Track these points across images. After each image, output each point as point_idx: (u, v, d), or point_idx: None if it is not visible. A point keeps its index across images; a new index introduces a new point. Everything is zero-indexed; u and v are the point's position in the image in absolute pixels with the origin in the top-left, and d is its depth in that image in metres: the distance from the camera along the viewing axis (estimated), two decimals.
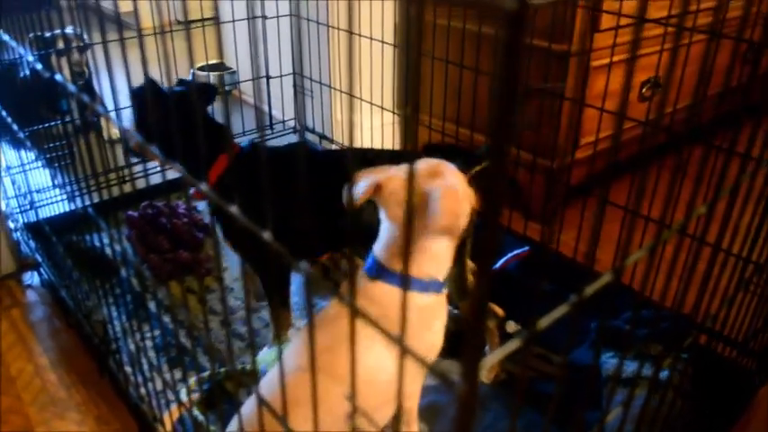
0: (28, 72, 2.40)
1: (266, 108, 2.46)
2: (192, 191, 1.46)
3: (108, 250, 1.64)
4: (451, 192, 1.03)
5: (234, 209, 0.59)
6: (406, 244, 0.71)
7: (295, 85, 2.45)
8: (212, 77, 2.80)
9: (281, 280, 1.50)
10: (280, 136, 2.52)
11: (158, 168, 2.14)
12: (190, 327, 1.49)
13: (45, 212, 1.92)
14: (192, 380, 1.41)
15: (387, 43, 2.24)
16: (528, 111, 1.90)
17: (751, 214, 1.08)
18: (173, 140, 1.27)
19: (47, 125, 2.01)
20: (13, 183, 1.91)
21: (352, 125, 2.11)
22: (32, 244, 1.85)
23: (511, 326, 1.54)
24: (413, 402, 1.14)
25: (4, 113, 1.58)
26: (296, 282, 1.69)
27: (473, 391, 0.43)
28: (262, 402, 0.69)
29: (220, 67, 2.94)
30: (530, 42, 1.81)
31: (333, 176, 1.38)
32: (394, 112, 2.35)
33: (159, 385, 1.38)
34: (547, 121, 1.95)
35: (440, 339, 1.09)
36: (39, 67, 1.06)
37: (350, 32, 0.43)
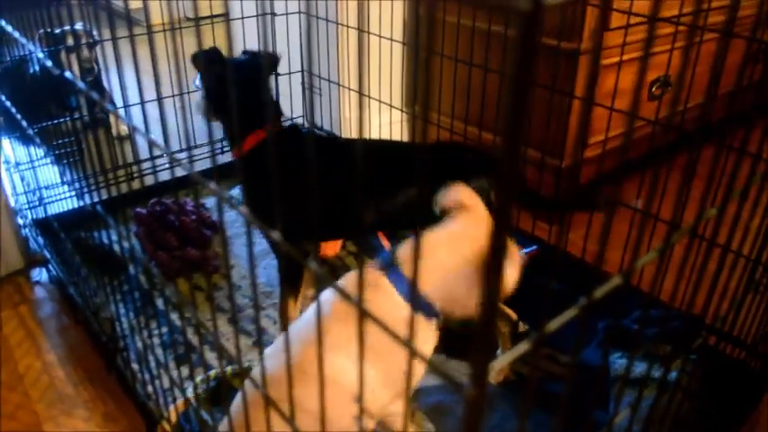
0: (37, 68, 2.41)
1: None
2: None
3: (116, 247, 1.65)
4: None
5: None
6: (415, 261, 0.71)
7: (303, 83, 2.44)
8: None
9: (295, 269, 1.51)
10: None
11: (167, 165, 2.14)
12: (198, 325, 1.49)
13: (54, 209, 1.92)
14: (199, 377, 1.41)
15: (395, 41, 2.23)
16: (536, 109, 1.89)
17: (761, 216, 1.07)
18: (224, 104, 1.37)
19: (56, 122, 2.01)
20: (22, 179, 1.92)
21: (363, 123, 2.10)
22: (41, 240, 1.86)
23: (521, 326, 1.53)
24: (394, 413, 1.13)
25: (13, 110, 1.59)
26: None
27: (482, 395, 0.43)
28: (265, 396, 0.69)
29: None
30: (538, 40, 1.80)
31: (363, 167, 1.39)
32: (402, 110, 2.34)
33: (166, 383, 1.38)
34: (556, 120, 1.94)
35: (421, 366, 1.07)
36: (49, 64, 1.06)
37: (360, 30, 0.43)
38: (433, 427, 1.34)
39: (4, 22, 1.33)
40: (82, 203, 1.24)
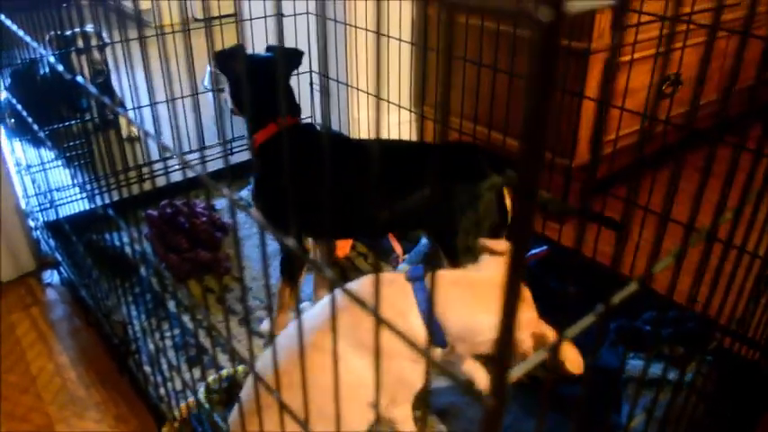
0: (48, 70, 2.42)
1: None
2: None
3: (127, 249, 1.65)
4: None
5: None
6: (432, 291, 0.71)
7: (311, 83, 2.44)
8: None
9: (294, 262, 1.52)
10: None
11: (177, 166, 2.14)
12: (210, 327, 1.49)
13: (65, 211, 1.93)
14: (211, 378, 1.41)
15: (404, 41, 2.23)
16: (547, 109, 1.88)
17: None
18: (243, 98, 1.40)
19: (66, 124, 2.02)
20: (33, 181, 1.92)
21: (379, 125, 2.08)
22: (52, 242, 1.86)
23: None
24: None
25: (24, 113, 1.59)
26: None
27: (501, 405, 0.42)
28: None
29: None
30: (557, 48, 1.79)
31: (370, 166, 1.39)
32: (411, 110, 2.34)
33: (179, 385, 1.39)
34: (566, 120, 1.94)
35: (417, 380, 1.09)
36: (60, 68, 1.06)
37: (378, 33, 0.43)
38: (444, 428, 1.33)
39: (14, 25, 1.33)
40: (93, 205, 1.24)
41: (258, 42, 2.69)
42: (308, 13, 2.28)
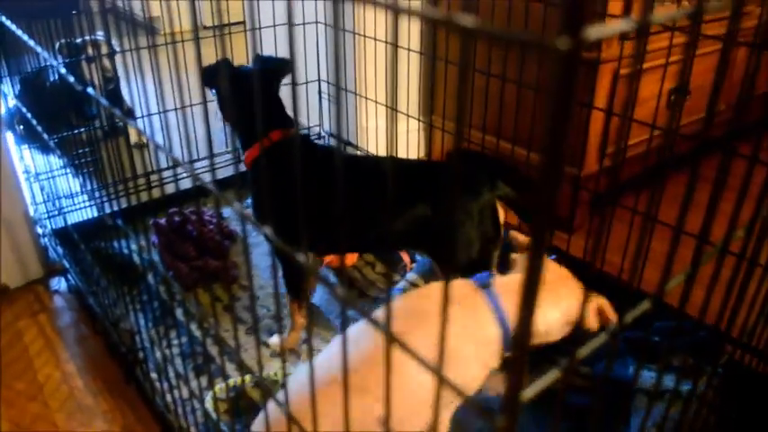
0: (57, 77, 2.43)
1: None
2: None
3: (135, 257, 1.65)
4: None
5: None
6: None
7: (320, 92, 2.45)
8: None
9: (297, 275, 1.52)
10: None
11: (185, 174, 2.15)
12: (218, 338, 1.49)
13: (73, 218, 1.93)
14: (218, 387, 1.41)
15: (413, 51, 2.23)
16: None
17: None
18: (233, 114, 1.40)
19: (75, 132, 2.03)
20: (42, 189, 1.93)
21: (393, 136, 2.08)
22: (60, 250, 1.86)
23: None
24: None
25: (33, 120, 1.60)
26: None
27: (513, 425, 0.42)
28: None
29: None
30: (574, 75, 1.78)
31: (363, 182, 1.38)
32: (420, 120, 2.34)
33: (186, 393, 1.38)
34: (574, 129, 1.93)
35: (480, 378, 1.10)
36: (71, 79, 1.06)
37: (395, 46, 0.42)
38: None
39: (24, 34, 1.34)
40: (101, 213, 1.24)
41: (267, 50, 2.69)
42: (316, 22, 2.28)
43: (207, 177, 0.68)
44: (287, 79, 1.56)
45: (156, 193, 2.01)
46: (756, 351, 1.33)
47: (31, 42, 1.27)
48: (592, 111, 1.87)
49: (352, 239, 1.46)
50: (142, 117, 2.12)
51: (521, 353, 0.40)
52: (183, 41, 2.03)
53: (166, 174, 2.16)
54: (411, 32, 2.22)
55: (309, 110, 2.46)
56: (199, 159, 2.26)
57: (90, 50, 2.40)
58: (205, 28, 3.98)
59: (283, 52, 2.24)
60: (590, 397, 1.34)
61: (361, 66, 2.26)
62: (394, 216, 1.38)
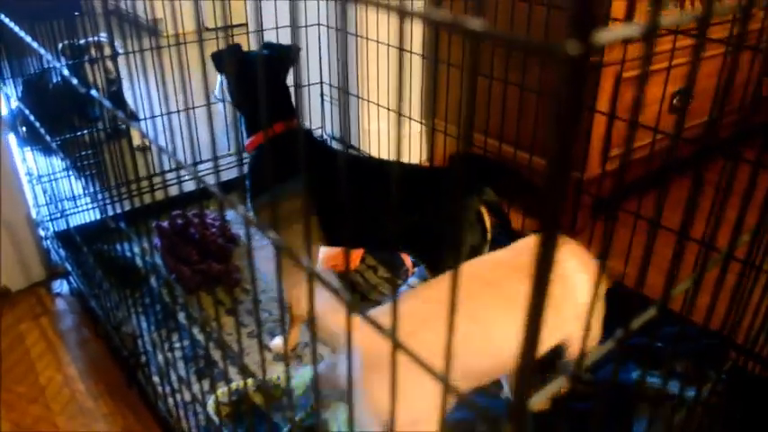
0: (59, 79, 2.42)
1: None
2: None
3: (137, 260, 1.65)
4: None
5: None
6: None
7: (321, 94, 2.45)
8: None
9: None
10: None
11: (188, 177, 2.14)
12: (221, 343, 1.48)
13: (75, 221, 1.93)
14: (220, 391, 1.40)
15: (415, 53, 2.23)
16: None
17: None
18: (241, 99, 1.40)
19: (78, 134, 2.03)
20: (44, 191, 1.93)
21: (401, 140, 2.07)
22: (62, 252, 1.86)
23: None
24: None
25: (36, 122, 1.60)
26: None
27: None
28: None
29: None
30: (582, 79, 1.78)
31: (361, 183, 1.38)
32: (422, 123, 2.33)
33: (188, 397, 1.38)
34: (576, 133, 1.93)
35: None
36: (74, 81, 1.06)
37: (401, 50, 0.42)
38: None
39: (27, 36, 1.34)
40: (104, 216, 1.24)
41: None
42: (318, 24, 2.28)
43: (211, 180, 0.68)
44: (290, 81, 1.56)
45: (159, 195, 2.01)
46: (760, 358, 1.33)
47: (35, 44, 1.27)
48: (594, 114, 1.87)
49: (347, 234, 1.46)
50: (144, 119, 2.12)
51: (529, 361, 0.40)
52: (185, 43, 2.03)
53: (169, 176, 2.16)
54: (413, 35, 2.22)
55: (311, 112, 2.45)
56: (202, 162, 2.26)
57: (93, 52, 2.40)
58: (207, 30, 3.98)
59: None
60: (592, 402, 1.33)
61: (364, 68, 2.26)
62: (385, 217, 1.39)
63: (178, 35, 1.33)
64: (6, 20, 1.44)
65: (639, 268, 0.50)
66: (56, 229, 1.91)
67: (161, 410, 1.37)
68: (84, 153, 2.00)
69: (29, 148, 2.10)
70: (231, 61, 1.46)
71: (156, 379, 1.41)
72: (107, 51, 2.48)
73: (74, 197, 2.00)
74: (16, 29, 1.36)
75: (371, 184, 1.38)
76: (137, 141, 2.57)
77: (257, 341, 1.60)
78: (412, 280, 1.73)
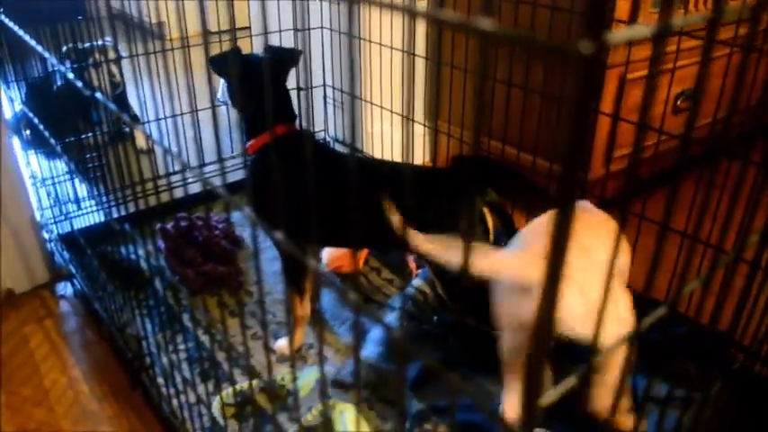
0: (62, 82, 2.43)
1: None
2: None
3: (141, 262, 1.65)
4: None
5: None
6: None
7: (324, 96, 2.45)
8: None
9: (297, 269, 1.51)
10: None
11: (192, 179, 2.14)
12: (227, 344, 1.48)
13: (79, 223, 1.93)
14: (225, 392, 1.40)
15: (418, 56, 2.23)
16: (562, 123, 1.87)
17: None
18: (242, 102, 1.40)
19: (81, 137, 2.03)
20: (48, 194, 1.93)
21: (411, 146, 2.07)
22: (66, 255, 1.86)
23: None
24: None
25: (40, 125, 1.60)
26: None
27: None
28: None
29: None
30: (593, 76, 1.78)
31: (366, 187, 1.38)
32: (425, 125, 2.33)
33: (192, 398, 1.38)
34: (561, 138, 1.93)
35: None
36: (79, 84, 1.06)
37: (411, 54, 0.42)
38: None
39: (32, 39, 1.34)
40: (108, 218, 1.24)
41: None
42: (322, 27, 2.29)
43: (215, 182, 0.68)
44: (293, 82, 1.56)
45: (164, 197, 2.01)
46: (765, 358, 1.33)
47: (39, 48, 1.27)
48: (598, 115, 1.87)
49: (351, 235, 1.46)
50: (148, 122, 2.13)
51: (537, 361, 0.40)
52: (188, 46, 2.03)
53: (174, 178, 2.16)
54: (416, 37, 2.22)
55: (315, 114, 2.45)
56: (205, 164, 2.26)
57: (97, 56, 2.40)
58: (210, 33, 3.99)
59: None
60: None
61: (367, 70, 2.26)
62: (384, 216, 1.38)
63: (174, 40, 1.33)
64: (10, 23, 1.45)
65: (648, 271, 0.49)
66: (60, 232, 1.91)
67: (165, 412, 1.37)
68: (87, 156, 2.00)
69: (33, 151, 2.10)
70: (231, 64, 1.45)
71: (160, 380, 1.41)
72: (111, 55, 2.49)
73: (77, 200, 2.01)
74: (20, 32, 1.36)
75: (375, 185, 1.38)
76: (140, 144, 2.57)
77: (262, 343, 1.60)
78: (416, 281, 1.73)
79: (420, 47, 2.31)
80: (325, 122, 2.52)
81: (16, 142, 1.90)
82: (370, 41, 2.20)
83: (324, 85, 2.40)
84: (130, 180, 1.09)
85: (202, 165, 2.24)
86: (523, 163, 1.84)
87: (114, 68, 2.51)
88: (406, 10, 0.38)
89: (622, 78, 1.90)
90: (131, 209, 1.19)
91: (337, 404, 1.39)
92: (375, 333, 1.61)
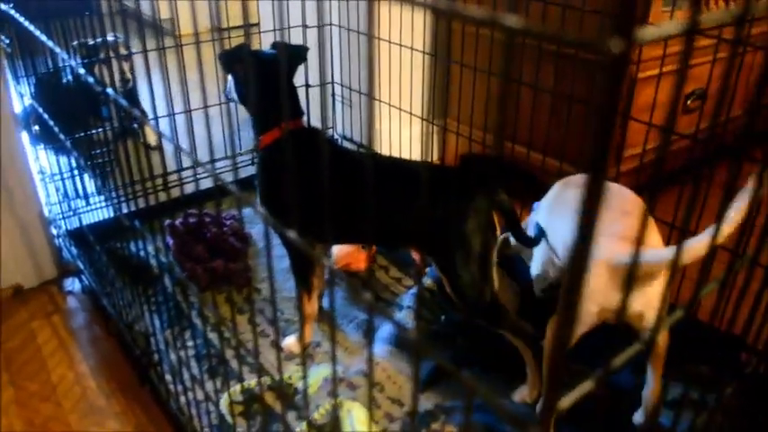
0: (71, 78, 2.43)
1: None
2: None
3: (150, 258, 1.65)
4: None
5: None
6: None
7: (333, 94, 2.44)
8: None
9: (305, 265, 1.51)
10: None
11: (203, 175, 2.14)
12: (236, 342, 1.48)
13: (87, 219, 1.93)
14: (232, 390, 1.40)
15: (428, 54, 2.22)
16: (573, 122, 1.87)
17: None
18: (250, 99, 1.38)
19: (90, 132, 2.03)
20: (57, 190, 1.93)
21: (430, 144, 2.06)
22: (74, 250, 1.86)
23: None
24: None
25: (50, 122, 1.60)
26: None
27: None
28: None
29: None
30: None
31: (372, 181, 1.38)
32: (433, 123, 2.33)
33: (200, 395, 1.38)
34: (591, 133, 1.91)
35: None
36: (90, 80, 1.06)
37: (432, 55, 0.42)
38: None
39: (43, 35, 1.34)
40: (117, 214, 1.24)
41: None
42: (330, 24, 2.28)
43: (225, 177, 0.68)
44: (300, 79, 1.55)
45: (174, 193, 2.01)
46: None
47: (50, 43, 1.27)
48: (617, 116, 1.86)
49: (356, 232, 1.46)
50: (156, 118, 2.12)
51: (558, 367, 0.39)
52: (199, 42, 2.03)
53: (184, 174, 2.16)
54: (425, 36, 2.21)
55: (323, 111, 2.45)
56: (216, 160, 2.26)
57: (107, 51, 2.40)
58: (219, 30, 3.98)
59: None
60: (601, 404, 1.32)
61: (375, 68, 2.25)
62: (394, 213, 1.38)
63: (186, 35, 1.33)
64: (21, 17, 1.44)
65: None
66: (68, 228, 1.91)
67: (173, 409, 1.37)
68: (97, 151, 2.00)
69: (42, 147, 2.10)
70: (238, 61, 1.45)
71: (168, 377, 1.41)
72: (122, 50, 2.49)
73: (86, 195, 2.01)
74: (31, 27, 1.36)
75: (384, 182, 1.38)
76: (150, 140, 2.57)
77: (270, 340, 1.60)
78: (424, 280, 1.72)
79: (428, 44, 2.30)
80: (332, 120, 2.52)
81: (25, 137, 1.90)
82: (379, 39, 2.20)
83: (332, 82, 2.40)
84: (140, 176, 1.09)
85: (213, 161, 2.23)
86: (534, 162, 1.83)
87: (125, 64, 2.51)
88: (430, 6, 0.37)
89: (633, 78, 1.89)
90: (141, 205, 1.19)
91: (345, 403, 1.39)
92: (384, 331, 1.60)
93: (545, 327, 1.29)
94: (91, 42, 2.35)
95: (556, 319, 1.28)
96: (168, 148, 2.42)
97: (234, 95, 1.55)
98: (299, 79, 1.67)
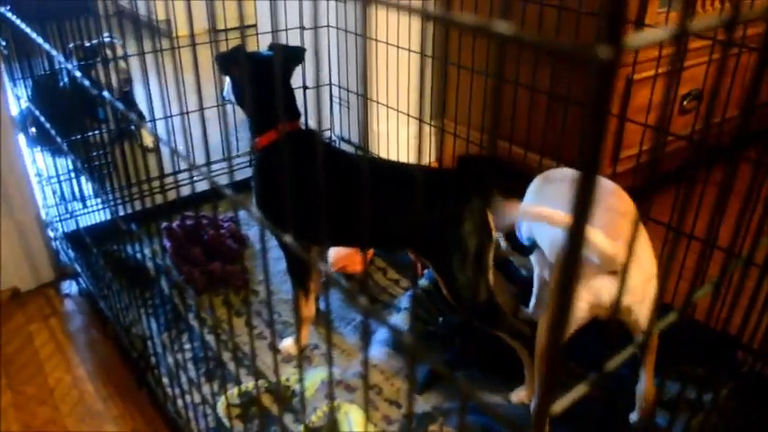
0: (67, 80, 2.43)
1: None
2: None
3: (148, 261, 1.65)
4: None
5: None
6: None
7: (331, 96, 2.44)
8: None
9: (301, 268, 1.51)
10: None
11: (198, 177, 2.14)
12: (234, 345, 1.48)
13: (85, 221, 1.93)
14: (230, 392, 1.40)
15: (427, 55, 2.22)
16: (569, 123, 1.87)
17: None
18: (247, 99, 1.38)
19: (87, 135, 2.03)
20: (54, 192, 1.93)
21: (427, 145, 2.06)
22: (71, 253, 1.86)
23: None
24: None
25: (47, 124, 1.60)
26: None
27: None
28: None
29: None
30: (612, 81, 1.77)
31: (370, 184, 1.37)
32: (431, 124, 2.33)
33: (197, 398, 1.38)
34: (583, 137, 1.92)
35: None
36: (86, 82, 1.06)
37: (424, 55, 0.42)
38: None
39: (39, 37, 1.34)
40: (113, 216, 1.24)
41: None
42: (328, 26, 2.28)
43: (222, 180, 0.68)
44: (297, 81, 1.55)
45: (170, 195, 2.01)
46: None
47: (46, 45, 1.27)
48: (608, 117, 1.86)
49: (352, 234, 1.45)
50: (153, 120, 2.12)
51: (553, 369, 0.39)
52: (195, 45, 2.02)
53: (180, 176, 2.16)
54: (422, 36, 2.21)
55: (321, 113, 2.45)
56: (213, 162, 2.26)
57: (105, 52, 2.40)
58: (216, 31, 3.98)
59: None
60: (595, 404, 1.32)
61: (372, 68, 2.26)
62: (390, 216, 1.38)
63: (184, 37, 1.32)
64: (17, 20, 1.44)
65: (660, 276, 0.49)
66: (65, 230, 1.91)
67: (170, 412, 1.36)
68: (94, 154, 2.00)
69: (38, 149, 2.10)
70: (235, 63, 1.45)
71: (165, 380, 1.41)
72: (119, 52, 2.48)
73: (83, 198, 2.00)
74: (27, 29, 1.36)
75: (380, 185, 1.38)
76: (147, 142, 2.57)
77: (269, 343, 1.60)
78: (421, 282, 1.72)
79: (426, 46, 2.30)
80: (330, 121, 2.52)
81: (22, 140, 1.90)
82: (376, 40, 2.20)
83: (330, 84, 2.40)
84: (137, 178, 1.09)
85: (209, 163, 2.23)
86: (530, 163, 1.83)
87: (122, 66, 2.51)
88: (421, 12, 0.38)
89: (629, 79, 1.89)
90: (138, 207, 1.19)
91: (342, 405, 1.39)
92: (381, 333, 1.60)
93: None
94: (87, 44, 2.35)
95: (547, 316, 1.28)
96: (165, 150, 2.42)
97: (231, 97, 1.55)
98: (296, 81, 1.68)
